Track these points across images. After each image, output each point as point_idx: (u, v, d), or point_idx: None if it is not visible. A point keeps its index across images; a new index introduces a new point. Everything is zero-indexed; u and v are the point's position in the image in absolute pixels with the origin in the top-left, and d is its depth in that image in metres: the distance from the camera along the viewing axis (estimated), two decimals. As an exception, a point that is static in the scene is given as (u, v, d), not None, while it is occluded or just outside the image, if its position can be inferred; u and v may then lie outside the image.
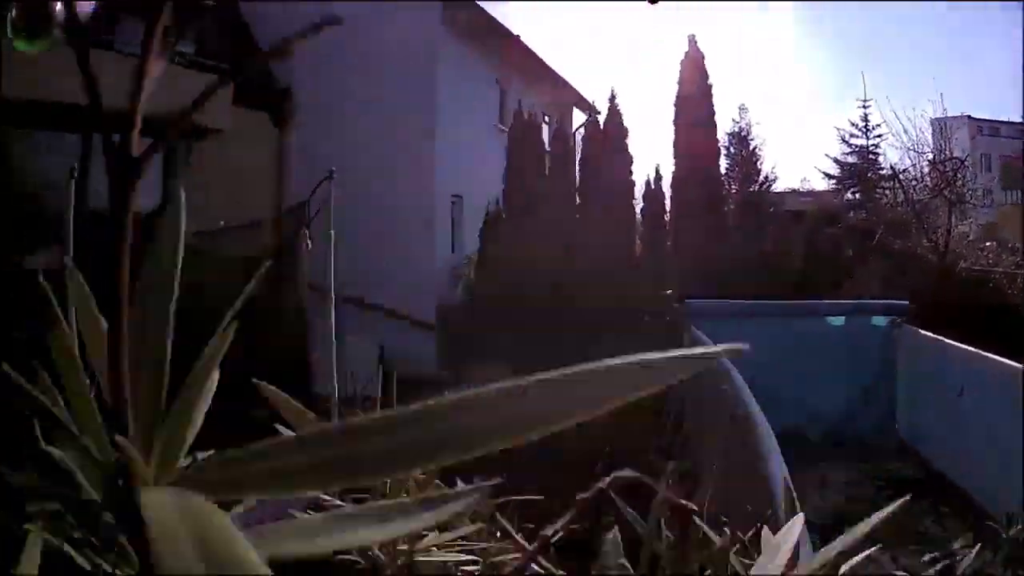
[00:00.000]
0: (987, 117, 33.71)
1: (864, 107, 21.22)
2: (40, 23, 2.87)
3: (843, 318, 13.35)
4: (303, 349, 11.44)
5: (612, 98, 19.97)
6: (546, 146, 21.40)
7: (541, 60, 26.21)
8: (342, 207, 19.04)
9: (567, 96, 28.00)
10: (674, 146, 19.08)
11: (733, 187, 20.57)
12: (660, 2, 7.17)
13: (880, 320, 12.96)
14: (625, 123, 19.84)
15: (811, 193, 25.46)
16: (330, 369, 10.00)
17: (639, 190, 19.71)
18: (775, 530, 1.52)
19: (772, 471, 4.05)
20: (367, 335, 19.06)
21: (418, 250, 21.20)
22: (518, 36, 24.71)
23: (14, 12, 2.86)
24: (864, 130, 21.47)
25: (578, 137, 22.71)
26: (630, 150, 19.73)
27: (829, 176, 23.06)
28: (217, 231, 14.52)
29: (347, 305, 20.71)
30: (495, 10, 23.41)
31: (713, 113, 19.17)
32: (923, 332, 12.10)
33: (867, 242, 19.04)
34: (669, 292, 17.83)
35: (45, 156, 12.92)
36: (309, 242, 10.21)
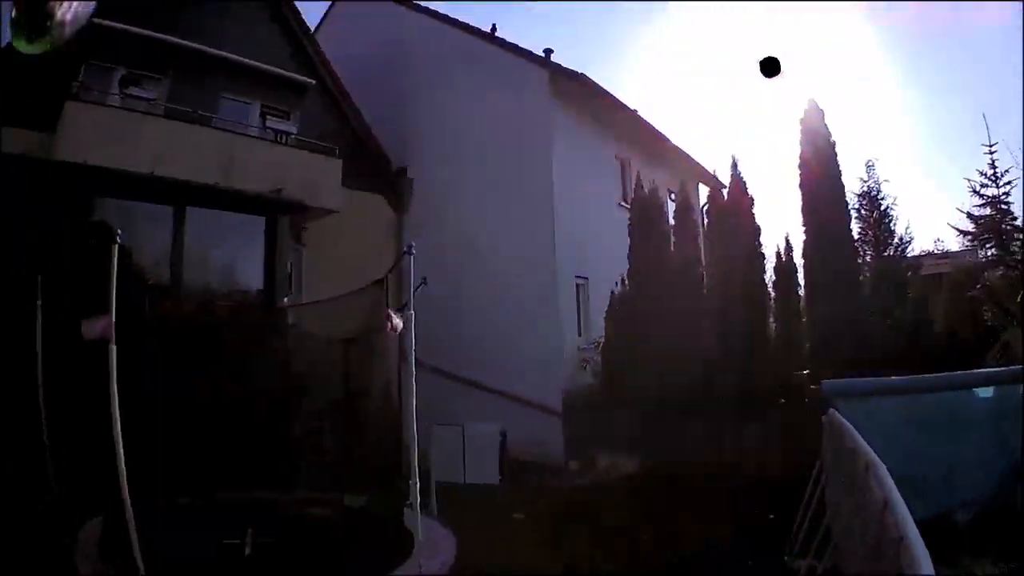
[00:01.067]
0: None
1: (991, 152, 19.98)
2: (40, 24, 3.41)
3: (991, 389, 12.39)
4: (393, 431, 11.00)
5: (734, 166, 19.37)
6: (670, 221, 20.68)
7: (660, 134, 25.94)
8: (460, 289, 18.86)
9: (689, 170, 27.48)
10: (802, 213, 18.26)
11: (867, 252, 19.64)
12: (775, 77, 6.73)
13: (1031, 388, 11.99)
14: (750, 192, 19.20)
15: (947, 255, 24.40)
16: (411, 454, 9.54)
17: (769, 263, 18.95)
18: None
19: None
20: (489, 420, 18.61)
21: (543, 333, 20.76)
22: (635, 111, 24.35)
23: (14, 13, 3.21)
24: (994, 178, 20.22)
25: (704, 212, 22.11)
26: (757, 220, 19.02)
27: (963, 232, 21.88)
28: (305, 306, 14.30)
29: (469, 388, 20.46)
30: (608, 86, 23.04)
31: (839, 174, 18.33)
32: (1079, 400, 11.03)
33: (1009, 303, 18.03)
34: (806, 373, 17.05)
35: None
36: (397, 322, 9.70)
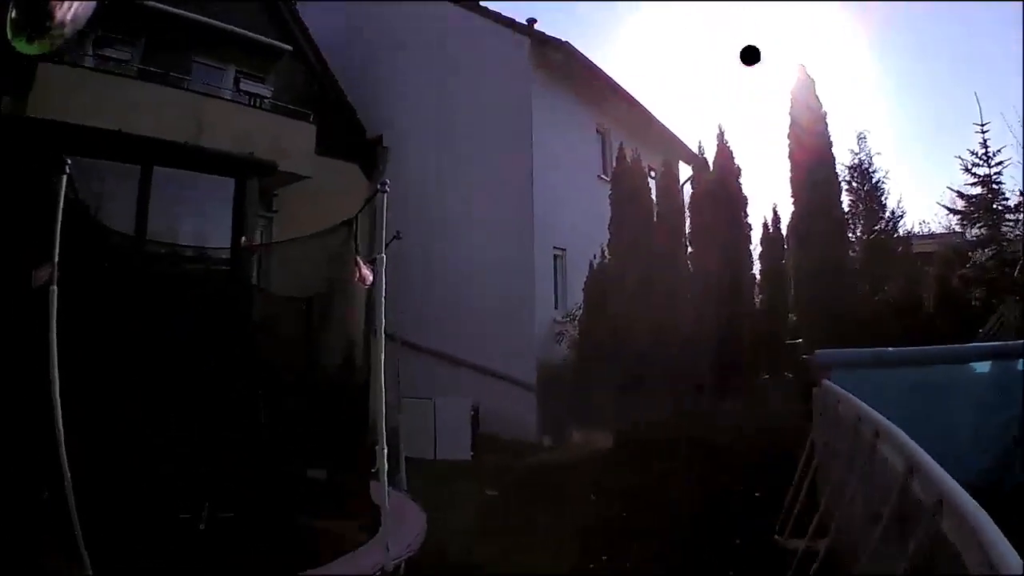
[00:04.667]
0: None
1: (983, 132, 19.63)
2: (40, 25, 3.63)
3: (988, 364, 11.86)
4: (358, 402, 10.21)
5: (721, 136, 18.85)
6: (652, 193, 20.18)
7: (643, 108, 25.41)
8: (435, 259, 18.26)
9: (672, 147, 26.87)
10: (791, 184, 17.82)
11: (858, 225, 19.14)
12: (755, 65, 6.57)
13: (1025, 363, 11.45)
14: (736, 162, 18.69)
15: (932, 236, 24.07)
16: (379, 417, 8.64)
17: (756, 234, 18.44)
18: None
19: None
20: (460, 395, 18.19)
21: (518, 306, 20.19)
22: (618, 83, 23.71)
23: (14, 13, 3.87)
24: (985, 157, 19.88)
25: (687, 189, 21.49)
26: (744, 191, 18.58)
27: (953, 211, 21.52)
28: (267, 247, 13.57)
29: (440, 361, 19.88)
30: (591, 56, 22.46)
31: (830, 145, 17.98)
32: (1075, 374, 10.38)
33: (999, 281, 17.61)
34: (799, 342, 16.54)
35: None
36: (366, 272, 8.83)
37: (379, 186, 8.35)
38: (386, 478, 7.80)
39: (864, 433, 7.04)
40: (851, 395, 8.41)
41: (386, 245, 8.43)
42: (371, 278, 8.76)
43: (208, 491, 9.56)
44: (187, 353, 10.04)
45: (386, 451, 7.89)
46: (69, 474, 6.92)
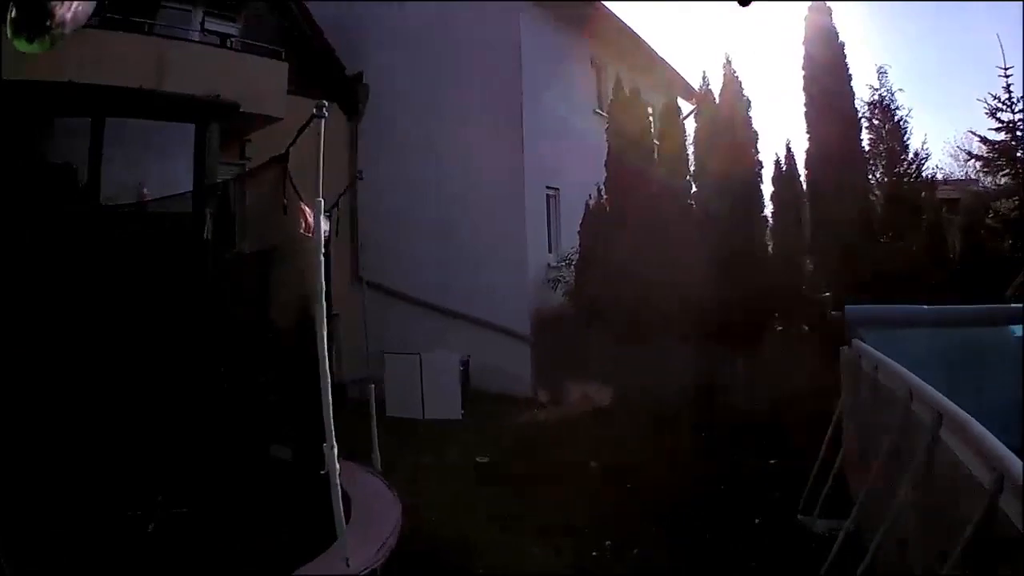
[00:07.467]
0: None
1: (1006, 76, 18.39)
2: (40, 24, 4.04)
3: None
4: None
5: (727, 64, 17.47)
6: (652, 128, 18.79)
7: (641, 40, 24.21)
8: (421, 202, 17.07)
9: (672, 83, 25.65)
10: (806, 118, 16.53)
11: (879, 165, 17.89)
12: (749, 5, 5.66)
13: (1065, 327, 10.38)
14: (746, 93, 17.29)
15: (947, 181, 22.99)
16: (327, 425, 7.12)
17: (767, 172, 17.19)
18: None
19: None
20: (449, 347, 17.24)
21: (509, 250, 19.17)
22: (614, 14, 22.41)
23: (14, 13, 4.02)
24: (1008, 102, 18.66)
25: (690, 124, 20.17)
26: (753, 126, 17.18)
27: (975, 157, 20.31)
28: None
29: (427, 312, 18.77)
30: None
31: (848, 78, 16.68)
32: (1119, 339, 9.50)
33: (1025, 234, 16.47)
34: (826, 296, 15.38)
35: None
36: (312, 221, 7.50)
37: (314, 110, 6.93)
38: (338, 482, 6.56)
39: (920, 414, 6.05)
40: (894, 362, 7.39)
41: (345, 190, 7.16)
42: (327, 231, 7.59)
43: (161, 483, 8.50)
44: (133, 326, 9.15)
45: (336, 450, 6.63)
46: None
